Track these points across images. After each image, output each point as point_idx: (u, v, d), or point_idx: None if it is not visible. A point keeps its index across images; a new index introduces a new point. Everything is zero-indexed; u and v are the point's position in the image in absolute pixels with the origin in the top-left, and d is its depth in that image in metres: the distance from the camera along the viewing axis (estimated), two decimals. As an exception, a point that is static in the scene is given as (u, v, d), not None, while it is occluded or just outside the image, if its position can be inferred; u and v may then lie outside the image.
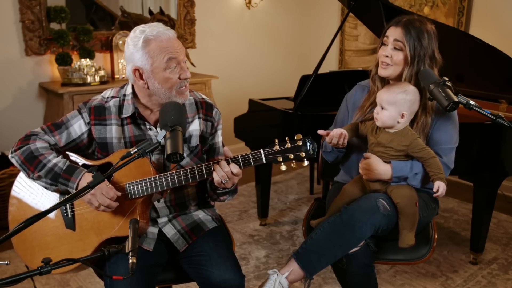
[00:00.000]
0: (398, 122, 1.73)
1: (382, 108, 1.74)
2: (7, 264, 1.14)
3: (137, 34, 1.53)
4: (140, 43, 1.51)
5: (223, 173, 1.47)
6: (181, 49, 1.56)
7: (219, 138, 1.78)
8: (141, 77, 1.55)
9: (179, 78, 1.56)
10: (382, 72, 1.84)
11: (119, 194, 1.52)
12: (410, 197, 1.73)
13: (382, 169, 1.75)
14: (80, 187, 1.50)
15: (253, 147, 3.08)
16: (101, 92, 1.70)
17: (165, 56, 1.52)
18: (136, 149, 1.29)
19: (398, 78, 1.83)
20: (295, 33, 4.98)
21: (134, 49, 1.52)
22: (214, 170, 1.48)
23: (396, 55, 1.80)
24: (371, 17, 3.05)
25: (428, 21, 1.85)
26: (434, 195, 1.70)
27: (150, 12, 3.94)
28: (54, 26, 3.46)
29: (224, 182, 1.48)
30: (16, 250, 1.65)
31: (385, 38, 1.84)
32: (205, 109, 1.73)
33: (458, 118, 1.87)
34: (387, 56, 1.81)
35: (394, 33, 1.81)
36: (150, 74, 1.53)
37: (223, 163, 1.47)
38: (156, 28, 1.53)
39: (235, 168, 1.47)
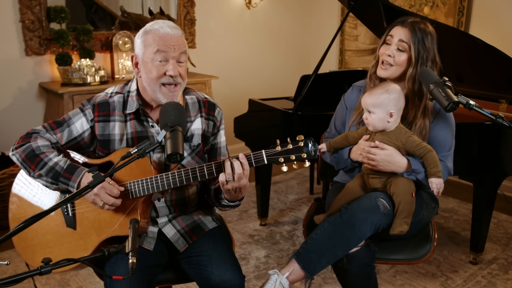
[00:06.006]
0: (388, 122, 1.73)
1: (370, 112, 1.74)
2: (7, 264, 1.14)
3: (146, 26, 1.60)
4: (141, 32, 1.59)
5: (229, 171, 1.43)
6: (176, 46, 1.55)
7: (221, 138, 1.77)
8: (136, 65, 1.62)
9: (165, 74, 1.55)
10: (382, 72, 1.82)
11: (122, 189, 1.52)
12: (408, 186, 1.73)
13: (401, 161, 1.72)
14: (81, 187, 1.50)
15: (253, 147, 3.08)
16: (103, 90, 1.71)
17: (155, 47, 1.54)
18: (136, 149, 1.30)
19: (397, 80, 1.82)
20: (295, 33, 4.98)
21: (137, 38, 1.60)
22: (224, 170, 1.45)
23: (398, 55, 1.78)
24: (371, 17, 3.05)
25: (428, 22, 1.84)
26: (435, 193, 1.69)
27: (150, 12, 3.94)
28: (54, 26, 3.46)
29: (228, 180, 1.45)
30: (17, 249, 1.65)
31: (388, 37, 1.81)
32: (207, 108, 1.73)
33: (458, 118, 1.87)
34: (389, 56, 1.79)
35: (400, 33, 1.78)
36: (141, 62, 1.59)
37: (227, 162, 1.45)
38: (161, 23, 1.58)
39: (238, 168, 1.43)
